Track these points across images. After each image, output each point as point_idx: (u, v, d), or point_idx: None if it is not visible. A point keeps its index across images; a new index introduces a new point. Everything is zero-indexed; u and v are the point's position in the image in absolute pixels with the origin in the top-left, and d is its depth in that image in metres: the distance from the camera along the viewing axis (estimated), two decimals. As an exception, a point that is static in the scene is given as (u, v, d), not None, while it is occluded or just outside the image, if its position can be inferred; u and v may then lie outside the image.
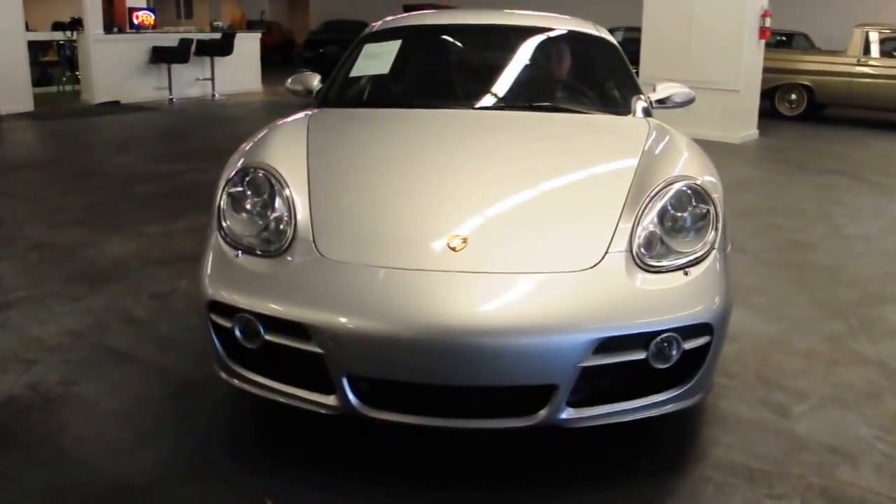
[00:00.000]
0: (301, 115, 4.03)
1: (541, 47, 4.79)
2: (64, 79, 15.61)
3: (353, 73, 4.60)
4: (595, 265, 2.82)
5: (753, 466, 3.01)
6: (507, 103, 4.36)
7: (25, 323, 4.27)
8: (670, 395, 2.84)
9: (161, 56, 14.72)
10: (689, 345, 2.80)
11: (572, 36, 4.88)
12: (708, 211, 3.06)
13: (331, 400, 2.76)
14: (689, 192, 3.10)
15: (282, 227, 3.01)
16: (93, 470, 2.95)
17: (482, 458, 3.06)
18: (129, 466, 2.96)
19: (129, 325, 4.26)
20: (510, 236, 2.96)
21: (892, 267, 5.69)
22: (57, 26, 17.13)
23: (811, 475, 2.97)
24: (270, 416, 3.29)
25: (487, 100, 4.39)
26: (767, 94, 13.33)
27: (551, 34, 4.85)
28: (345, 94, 4.51)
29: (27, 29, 13.54)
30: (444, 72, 4.84)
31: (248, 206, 3.14)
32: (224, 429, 3.29)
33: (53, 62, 16.12)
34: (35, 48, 14.68)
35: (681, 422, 3.25)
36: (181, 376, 3.67)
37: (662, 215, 3.02)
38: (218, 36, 16.11)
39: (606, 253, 2.86)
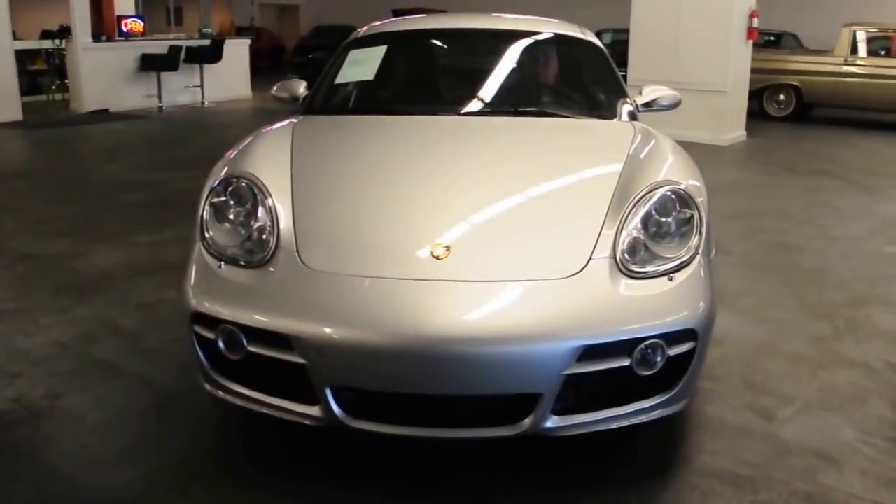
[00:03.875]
0: (286, 122, 4.02)
1: (527, 51, 4.78)
2: (53, 87, 15.57)
3: (339, 79, 4.60)
4: (578, 272, 2.82)
5: (739, 472, 3.01)
6: (492, 109, 4.34)
7: (11, 335, 4.25)
8: (655, 402, 2.84)
9: (150, 64, 14.68)
10: (674, 351, 2.80)
11: (558, 39, 4.87)
12: (692, 216, 3.06)
13: (315, 411, 2.75)
14: (673, 196, 3.10)
15: (264, 236, 3.00)
16: (78, 484, 2.94)
17: (468, 466, 3.05)
18: (114, 480, 2.95)
19: (115, 337, 4.25)
20: (493, 244, 2.96)
21: (879, 268, 5.70)
22: (45, 35, 17.08)
23: (796, 480, 2.97)
24: (256, 428, 3.28)
25: (473, 105, 4.37)
26: (755, 95, 13.36)
27: (537, 38, 4.85)
28: (330, 100, 4.51)
29: (14, 38, 13.48)
30: (429, 77, 4.83)
31: (231, 216, 3.14)
32: (210, 441, 3.28)
33: (42, 71, 16.06)
34: (23, 57, 14.62)
35: (666, 428, 3.24)
36: (167, 388, 3.66)
37: (646, 221, 3.02)
38: (207, 43, 16.08)
39: (590, 259, 2.86)
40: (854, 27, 13.41)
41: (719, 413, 3.46)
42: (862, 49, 13.30)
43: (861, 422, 3.43)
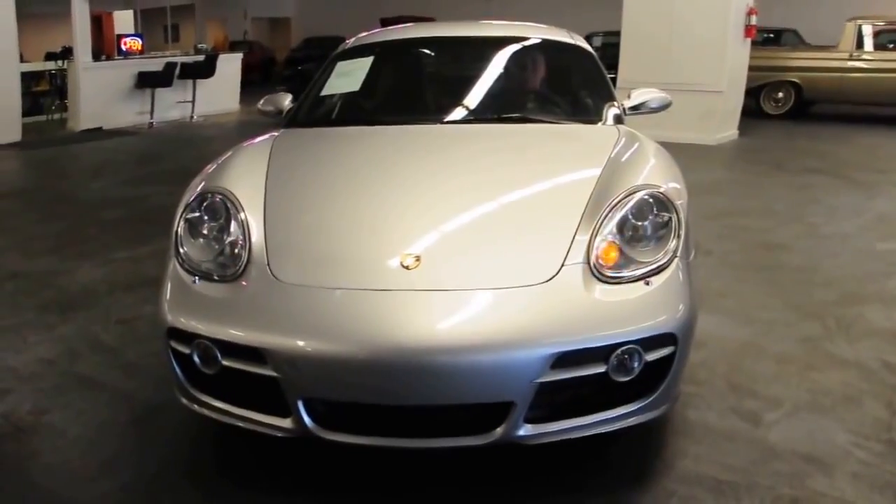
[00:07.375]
0: (266, 136, 4.01)
1: (514, 57, 4.75)
2: (53, 107, 15.59)
3: (324, 91, 4.58)
4: (551, 278, 2.78)
5: (721, 478, 2.95)
6: (476, 116, 4.31)
7: (1, 353, 4.26)
8: (632, 408, 2.79)
9: (146, 80, 14.68)
10: (652, 356, 2.75)
11: (546, 45, 4.85)
12: (670, 219, 3.02)
13: (287, 423, 2.73)
14: (650, 200, 3.06)
15: (237, 251, 3.00)
16: (58, 498, 2.96)
17: (442, 475, 3.02)
18: (91, 494, 2.97)
19: (97, 352, 4.24)
20: (464, 252, 2.93)
21: (871, 265, 5.62)
22: (49, 56, 17.14)
23: (782, 486, 2.90)
24: (231, 440, 3.26)
25: (457, 113, 4.34)
26: (753, 93, 13.26)
27: (525, 44, 4.82)
28: (313, 113, 4.48)
29: (21, 60, 13.50)
30: (415, 87, 4.82)
31: (205, 232, 3.13)
32: (184, 454, 3.28)
33: (45, 91, 16.09)
34: (28, 78, 14.63)
35: (646, 433, 3.18)
36: (145, 401, 3.66)
37: (622, 225, 2.98)
38: (202, 58, 16.11)
39: (563, 265, 2.82)
40: (859, 21, 13.26)
41: (702, 417, 3.40)
42: (868, 43, 13.16)
43: (854, 424, 3.36)
